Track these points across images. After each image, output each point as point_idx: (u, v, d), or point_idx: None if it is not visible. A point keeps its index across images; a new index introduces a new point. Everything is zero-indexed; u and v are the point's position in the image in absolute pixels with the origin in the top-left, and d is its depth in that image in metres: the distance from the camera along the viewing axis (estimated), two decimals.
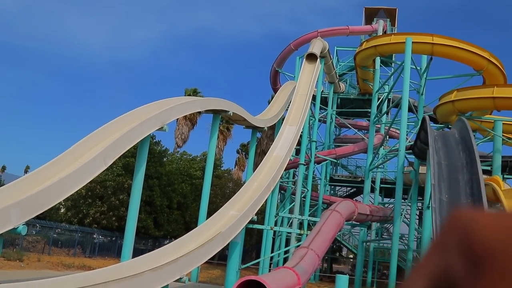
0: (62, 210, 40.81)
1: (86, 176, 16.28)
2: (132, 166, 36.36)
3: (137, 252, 25.82)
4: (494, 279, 0.41)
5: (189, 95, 50.83)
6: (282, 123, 31.55)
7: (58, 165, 16.05)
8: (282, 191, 41.21)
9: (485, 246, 0.42)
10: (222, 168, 52.98)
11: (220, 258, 38.60)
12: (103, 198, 37.86)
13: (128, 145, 18.75)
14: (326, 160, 42.02)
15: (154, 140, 40.93)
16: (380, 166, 38.48)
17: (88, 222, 37.31)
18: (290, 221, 32.73)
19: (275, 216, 32.03)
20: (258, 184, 24.98)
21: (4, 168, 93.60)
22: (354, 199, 36.97)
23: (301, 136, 32.61)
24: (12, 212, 13.14)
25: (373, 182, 39.09)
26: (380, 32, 44.84)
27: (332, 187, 50.54)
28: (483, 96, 27.44)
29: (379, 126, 41.47)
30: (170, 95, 24.06)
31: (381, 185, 42.17)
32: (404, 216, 35.33)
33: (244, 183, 28.10)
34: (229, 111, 26.57)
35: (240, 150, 62.33)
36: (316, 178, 46.44)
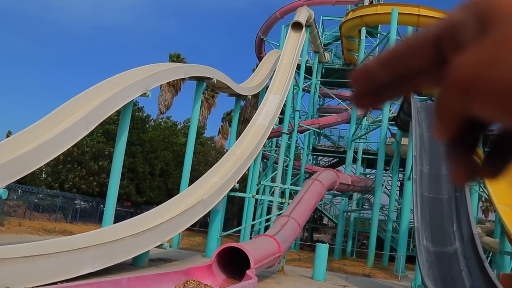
0: (43, 175, 40.62)
1: (67, 141, 16.14)
2: (113, 134, 36.19)
3: (119, 219, 25.84)
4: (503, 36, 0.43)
5: (173, 60, 50.40)
6: (266, 91, 31.48)
7: (39, 130, 15.89)
8: (265, 160, 41.31)
9: (500, 8, 0.44)
10: (205, 135, 52.90)
11: (202, 225, 38.79)
12: (82, 164, 37.71)
13: (111, 111, 18.60)
14: (309, 129, 42.11)
15: (137, 106, 40.67)
16: (362, 137, 38.67)
17: (68, 187, 37.18)
18: (272, 190, 32.88)
19: (257, 185, 32.15)
20: (241, 152, 25.00)
21: None
22: (336, 169, 37.18)
23: (284, 105, 32.58)
24: None
25: (355, 152, 39.33)
26: (366, 2, 44.58)
27: (315, 156, 50.72)
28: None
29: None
30: (155, 61, 23.93)
31: (363, 156, 42.41)
32: (385, 187, 35.70)
33: (227, 151, 28.11)
34: (213, 79, 26.41)
35: (224, 119, 62.18)
36: (299, 148, 46.58)
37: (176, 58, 52.58)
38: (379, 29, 40.12)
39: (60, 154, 17.88)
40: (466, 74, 0.44)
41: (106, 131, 37.87)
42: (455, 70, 0.45)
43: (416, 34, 0.54)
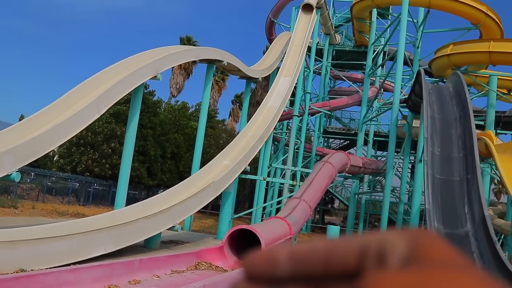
0: (56, 158, 40.87)
1: (79, 124, 16.23)
2: (123, 115, 36.26)
3: (130, 201, 26.00)
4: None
5: (184, 43, 50.32)
6: (276, 74, 31.39)
7: (51, 113, 15.97)
8: (276, 142, 41.30)
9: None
10: (217, 118, 52.93)
11: (213, 208, 38.93)
12: (94, 146, 37.87)
13: (122, 93, 18.66)
14: (320, 112, 42.01)
15: (148, 90, 40.69)
16: (374, 119, 38.50)
17: (81, 169, 37.37)
18: (283, 172, 32.92)
19: (268, 167, 32.18)
20: (252, 135, 25.02)
21: None
22: (347, 151, 37.13)
23: (295, 87, 32.50)
24: (5, 159, 13.14)
25: (367, 135, 39.19)
26: None
27: (326, 139, 50.63)
28: (479, 51, 27.28)
29: (374, 79, 41.34)
30: (165, 44, 23.91)
31: (374, 138, 42.26)
32: (396, 169, 35.59)
33: (238, 133, 28.13)
34: (223, 61, 26.37)
35: (234, 101, 62.12)
36: (310, 130, 46.53)
37: (187, 41, 52.51)
38: (390, 11, 39.80)
39: (74, 137, 17.98)
40: None
41: (116, 112, 37.92)
42: None
43: (340, 240, 0.49)
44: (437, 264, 0.42)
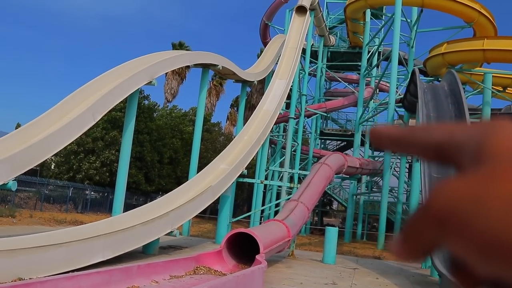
0: (53, 166, 40.80)
1: (75, 131, 16.21)
2: (119, 121, 36.22)
3: (129, 208, 25.94)
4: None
5: (177, 49, 50.34)
6: (272, 76, 31.41)
7: (47, 121, 15.96)
8: (273, 145, 41.33)
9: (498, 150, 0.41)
10: (211, 121, 52.92)
11: (212, 212, 38.90)
12: (94, 153, 37.78)
13: (117, 100, 18.64)
14: (316, 113, 42.05)
15: (143, 95, 40.64)
16: (370, 120, 38.59)
17: (80, 177, 37.29)
18: (281, 175, 32.91)
19: (266, 170, 32.17)
20: (248, 138, 25.02)
21: None
22: (344, 152, 37.16)
23: (291, 89, 32.52)
24: (1, 167, 13.12)
25: (363, 135, 39.24)
26: None
27: (323, 140, 50.70)
28: (473, 49, 27.35)
29: (369, 79, 41.43)
30: (159, 50, 23.86)
31: None
32: (394, 169, 35.67)
33: (235, 137, 28.15)
34: (218, 65, 26.38)
35: (232, 105, 62.17)
36: (307, 132, 46.57)
37: (179, 46, 52.55)
38: (384, 11, 39.90)
39: (73, 143, 17.98)
40: (446, 206, 0.40)
41: (111, 118, 37.82)
42: (435, 198, 0.41)
43: (421, 129, 0.50)
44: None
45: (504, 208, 0.36)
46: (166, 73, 48.77)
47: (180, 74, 53.56)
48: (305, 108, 38.65)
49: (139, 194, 42.50)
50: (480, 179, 0.39)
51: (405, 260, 0.46)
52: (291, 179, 31.05)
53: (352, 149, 39.43)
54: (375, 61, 38.57)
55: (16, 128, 53.89)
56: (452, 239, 0.40)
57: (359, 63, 40.34)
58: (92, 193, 39.18)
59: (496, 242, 0.36)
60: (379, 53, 39.39)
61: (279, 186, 31.78)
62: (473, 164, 0.42)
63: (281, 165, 35.73)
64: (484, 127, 0.44)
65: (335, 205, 59.04)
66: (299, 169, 35.27)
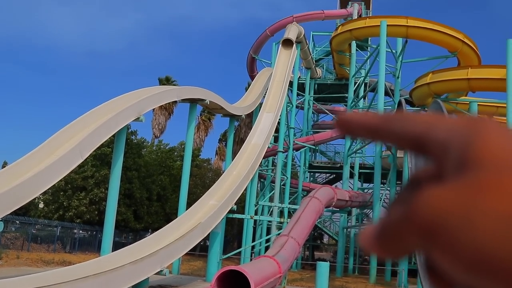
0: (41, 205, 40.33)
1: (62, 169, 16.02)
2: (108, 157, 35.94)
3: (118, 246, 25.61)
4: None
5: (163, 84, 50.42)
6: (259, 110, 31.40)
7: (34, 159, 15.79)
8: (262, 180, 41.11)
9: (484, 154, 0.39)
10: (201, 157, 52.74)
11: (202, 250, 38.47)
12: (84, 189, 37.36)
13: (105, 137, 18.51)
14: (305, 146, 41.98)
15: (130, 130, 40.46)
16: (358, 151, 38.58)
17: (70, 215, 36.80)
18: (271, 210, 32.66)
19: (255, 205, 31.94)
20: (237, 173, 24.87)
21: None
22: (334, 185, 37.06)
23: (279, 123, 32.49)
24: None
25: (352, 167, 39.21)
26: (355, 16, 44.73)
27: (312, 173, 50.55)
28: (458, 78, 27.56)
29: (356, 111, 41.49)
30: (146, 85, 23.76)
31: (360, 170, 42.26)
32: (384, 200, 35.50)
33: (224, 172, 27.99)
34: (206, 100, 26.34)
35: (220, 140, 62.11)
36: (296, 165, 46.42)
37: (166, 81, 52.67)
38: (369, 42, 40.23)
39: (61, 181, 17.73)
40: (431, 216, 0.37)
41: (100, 154, 37.49)
42: (420, 206, 0.38)
43: (397, 118, 0.49)
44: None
45: (491, 226, 0.35)
46: (154, 109, 48.74)
47: (168, 109, 53.56)
48: (294, 141, 38.60)
49: (128, 232, 42.03)
50: (466, 191, 0.37)
51: (379, 256, 0.44)
52: (281, 214, 30.84)
53: (341, 181, 39.32)
54: (361, 93, 38.74)
55: (3, 167, 53.36)
56: (436, 251, 0.38)
57: (346, 95, 40.53)
58: (81, 231, 38.69)
59: (483, 260, 0.35)
60: (365, 84, 39.59)
61: (269, 221, 31.52)
62: (457, 169, 0.39)
63: (271, 199, 35.52)
64: (467, 126, 0.42)
65: (326, 239, 58.70)
66: (289, 203, 35.07)
